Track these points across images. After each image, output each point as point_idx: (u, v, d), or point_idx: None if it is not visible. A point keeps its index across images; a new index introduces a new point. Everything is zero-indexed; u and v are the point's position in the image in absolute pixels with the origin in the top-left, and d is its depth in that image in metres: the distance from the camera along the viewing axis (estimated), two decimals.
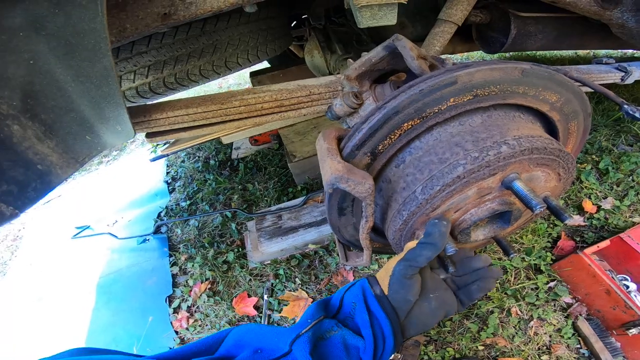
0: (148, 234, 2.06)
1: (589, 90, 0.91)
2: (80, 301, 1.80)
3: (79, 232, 2.27)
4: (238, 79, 4.81)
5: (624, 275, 1.38)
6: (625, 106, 0.82)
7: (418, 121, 0.57)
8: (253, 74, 2.55)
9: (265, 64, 2.66)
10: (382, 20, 1.01)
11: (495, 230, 0.72)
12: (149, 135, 1.12)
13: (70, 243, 2.22)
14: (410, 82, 0.59)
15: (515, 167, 0.56)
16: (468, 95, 0.56)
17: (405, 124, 0.57)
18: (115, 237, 2.13)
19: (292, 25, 2.21)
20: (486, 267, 0.61)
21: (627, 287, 1.35)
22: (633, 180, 1.65)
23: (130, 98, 1.33)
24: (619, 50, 2.83)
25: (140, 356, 0.56)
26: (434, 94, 0.55)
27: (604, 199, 1.61)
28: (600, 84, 1.24)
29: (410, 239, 0.69)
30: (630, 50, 2.58)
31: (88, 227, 2.31)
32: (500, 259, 1.47)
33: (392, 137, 0.58)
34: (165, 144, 2.35)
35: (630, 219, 1.52)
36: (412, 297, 0.55)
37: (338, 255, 1.14)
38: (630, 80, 1.22)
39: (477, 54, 3.88)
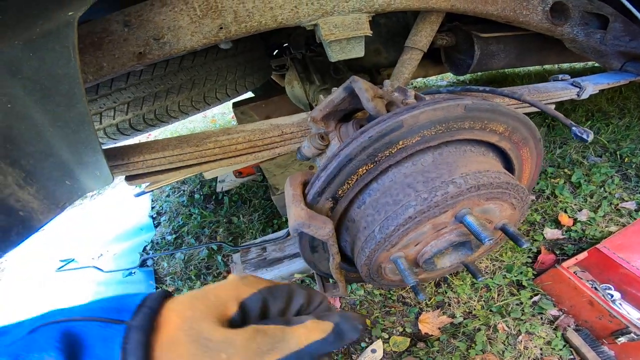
0: (134, 267, 2.04)
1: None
2: None
3: (63, 265, 2.23)
4: (222, 108, 4.87)
5: (608, 285, 1.38)
6: (574, 128, 0.85)
7: (372, 165, 0.60)
8: (236, 104, 2.59)
9: (249, 93, 2.71)
10: (350, 53, 1.06)
11: (461, 257, 0.75)
12: (128, 179, 1.14)
13: (54, 276, 2.18)
14: (364, 126, 0.63)
15: (465, 204, 0.60)
16: (416, 136, 0.60)
17: (360, 169, 0.60)
18: (101, 270, 2.09)
19: (274, 54, 2.25)
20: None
21: (612, 296, 1.34)
22: (605, 191, 1.70)
23: (111, 135, 1.33)
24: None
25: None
26: (383, 139, 0.58)
27: (579, 211, 1.64)
28: (559, 101, 1.27)
29: (377, 271, 0.71)
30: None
31: (72, 260, 2.28)
32: None
33: (350, 182, 0.61)
34: None
35: (607, 228, 1.55)
36: None
37: None
38: (585, 95, 1.24)
39: (450, 75, 4.02)
